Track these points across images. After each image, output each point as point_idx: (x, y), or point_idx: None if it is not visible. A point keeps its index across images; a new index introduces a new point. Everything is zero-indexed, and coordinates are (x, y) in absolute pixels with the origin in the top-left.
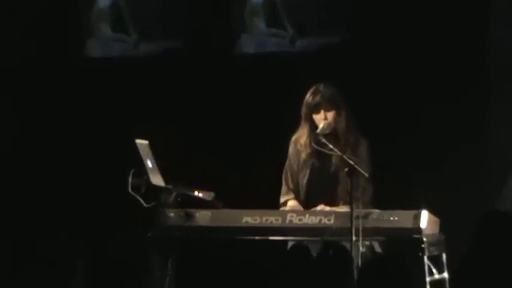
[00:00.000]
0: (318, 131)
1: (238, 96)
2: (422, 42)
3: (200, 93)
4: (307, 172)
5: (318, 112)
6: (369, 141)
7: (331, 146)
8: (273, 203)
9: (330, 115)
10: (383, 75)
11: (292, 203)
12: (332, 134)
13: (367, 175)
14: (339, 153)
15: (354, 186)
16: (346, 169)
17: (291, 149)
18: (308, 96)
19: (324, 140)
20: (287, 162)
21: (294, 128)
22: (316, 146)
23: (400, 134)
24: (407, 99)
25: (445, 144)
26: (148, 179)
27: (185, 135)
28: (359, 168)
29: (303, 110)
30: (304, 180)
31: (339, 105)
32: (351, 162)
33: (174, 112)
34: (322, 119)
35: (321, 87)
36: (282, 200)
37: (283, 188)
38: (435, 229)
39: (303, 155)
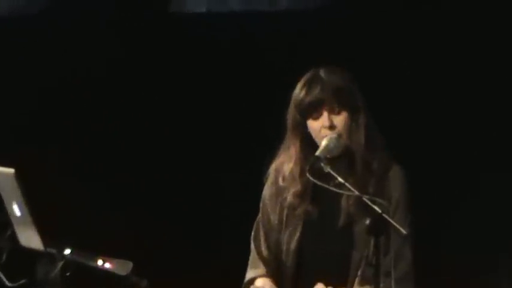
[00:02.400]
0: (319, 152)
1: (182, 90)
2: None
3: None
4: (298, 228)
5: (316, 116)
6: (405, 171)
7: (340, 179)
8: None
9: (340, 121)
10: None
11: (262, 284)
12: (343, 156)
13: (404, 232)
14: (355, 191)
15: (382, 252)
16: (368, 221)
17: (267, 187)
18: (299, 90)
19: (328, 169)
20: (260, 212)
21: (272, 148)
22: (313, 179)
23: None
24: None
25: None
26: (14, 236)
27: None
28: (391, 220)
29: (290, 114)
30: (292, 242)
31: (354, 104)
32: (376, 208)
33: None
34: (324, 129)
35: (322, 72)
36: (246, 277)
37: (252, 257)
38: None
39: (290, 197)
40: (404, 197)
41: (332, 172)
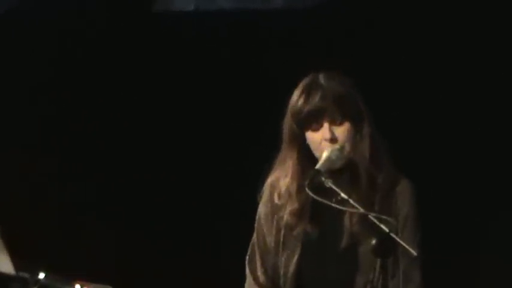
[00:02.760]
0: (319, 165)
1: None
2: None
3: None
4: (296, 250)
5: (316, 128)
6: (413, 185)
7: (343, 195)
8: None
9: (342, 132)
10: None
11: None
12: (345, 170)
13: (415, 253)
14: (360, 208)
15: (389, 275)
16: (374, 241)
17: (262, 205)
18: (296, 98)
19: (329, 183)
20: (255, 233)
21: (268, 161)
22: (313, 195)
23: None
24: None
25: None
26: None
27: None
28: (400, 240)
29: (287, 124)
30: (290, 266)
31: (357, 113)
32: (383, 227)
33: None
34: (325, 142)
35: (321, 78)
36: None
37: (247, 283)
38: None
39: (287, 216)
40: (413, 213)
41: (334, 187)
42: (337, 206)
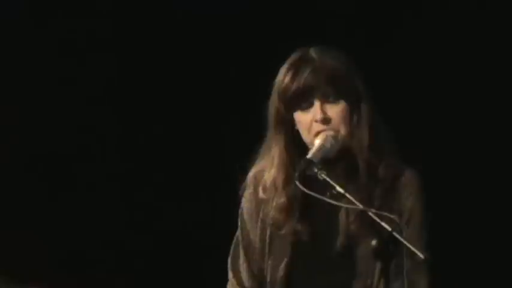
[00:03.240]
0: (311, 154)
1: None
2: None
3: None
4: (285, 252)
5: (306, 107)
6: (419, 175)
7: (339, 189)
8: None
9: (336, 112)
10: None
11: None
12: (341, 159)
13: (422, 256)
14: (359, 204)
15: (392, 279)
16: (374, 242)
17: (245, 200)
18: (283, 75)
19: (324, 176)
20: (238, 232)
21: (248, 152)
22: (304, 189)
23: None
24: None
25: None
26: None
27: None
28: (405, 242)
29: (272, 106)
30: (278, 271)
31: (354, 91)
32: (385, 226)
33: None
34: (316, 123)
35: (312, 52)
36: None
37: (230, 283)
38: None
39: (274, 212)
40: (419, 208)
41: (329, 180)
42: (332, 202)
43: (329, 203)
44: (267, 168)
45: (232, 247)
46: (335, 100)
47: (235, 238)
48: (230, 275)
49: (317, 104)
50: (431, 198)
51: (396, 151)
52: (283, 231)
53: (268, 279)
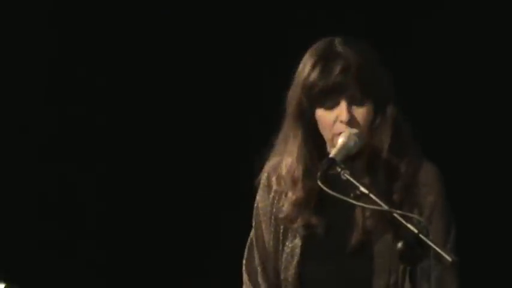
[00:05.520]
0: (334, 153)
1: None
2: None
3: None
4: (297, 247)
5: (331, 106)
6: (440, 171)
7: (363, 189)
8: None
9: (361, 114)
10: None
11: None
12: (360, 155)
13: (449, 258)
14: (384, 205)
15: (418, 282)
16: (401, 244)
17: (260, 195)
18: (309, 69)
19: (347, 175)
20: (253, 231)
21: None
22: (329, 191)
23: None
24: None
25: None
26: None
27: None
28: (433, 245)
29: (294, 99)
30: (290, 268)
31: (382, 92)
32: (411, 227)
33: None
34: (340, 124)
35: (338, 45)
36: None
37: (245, 286)
38: None
39: (288, 206)
40: (441, 204)
41: (352, 180)
42: (356, 203)
43: (351, 203)
44: (283, 160)
45: (246, 249)
46: (362, 101)
47: (249, 240)
48: (245, 277)
49: (343, 104)
50: (453, 197)
51: (418, 147)
52: (295, 225)
53: (282, 277)
